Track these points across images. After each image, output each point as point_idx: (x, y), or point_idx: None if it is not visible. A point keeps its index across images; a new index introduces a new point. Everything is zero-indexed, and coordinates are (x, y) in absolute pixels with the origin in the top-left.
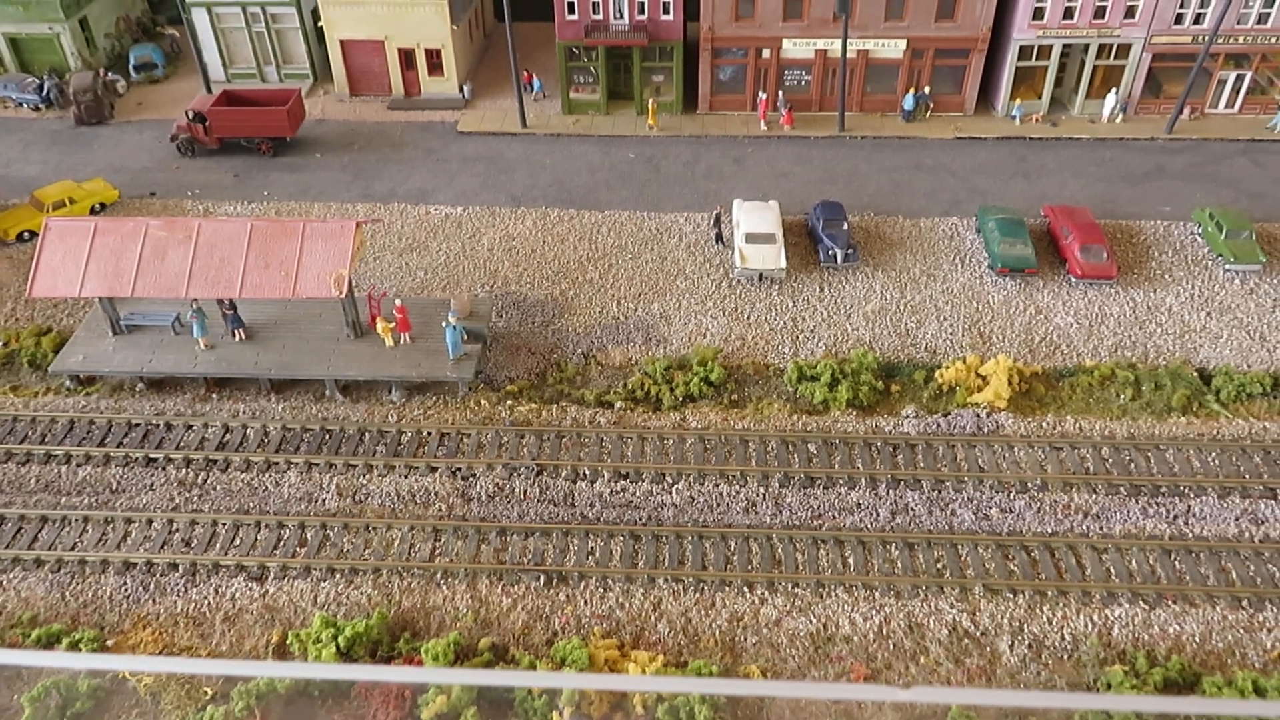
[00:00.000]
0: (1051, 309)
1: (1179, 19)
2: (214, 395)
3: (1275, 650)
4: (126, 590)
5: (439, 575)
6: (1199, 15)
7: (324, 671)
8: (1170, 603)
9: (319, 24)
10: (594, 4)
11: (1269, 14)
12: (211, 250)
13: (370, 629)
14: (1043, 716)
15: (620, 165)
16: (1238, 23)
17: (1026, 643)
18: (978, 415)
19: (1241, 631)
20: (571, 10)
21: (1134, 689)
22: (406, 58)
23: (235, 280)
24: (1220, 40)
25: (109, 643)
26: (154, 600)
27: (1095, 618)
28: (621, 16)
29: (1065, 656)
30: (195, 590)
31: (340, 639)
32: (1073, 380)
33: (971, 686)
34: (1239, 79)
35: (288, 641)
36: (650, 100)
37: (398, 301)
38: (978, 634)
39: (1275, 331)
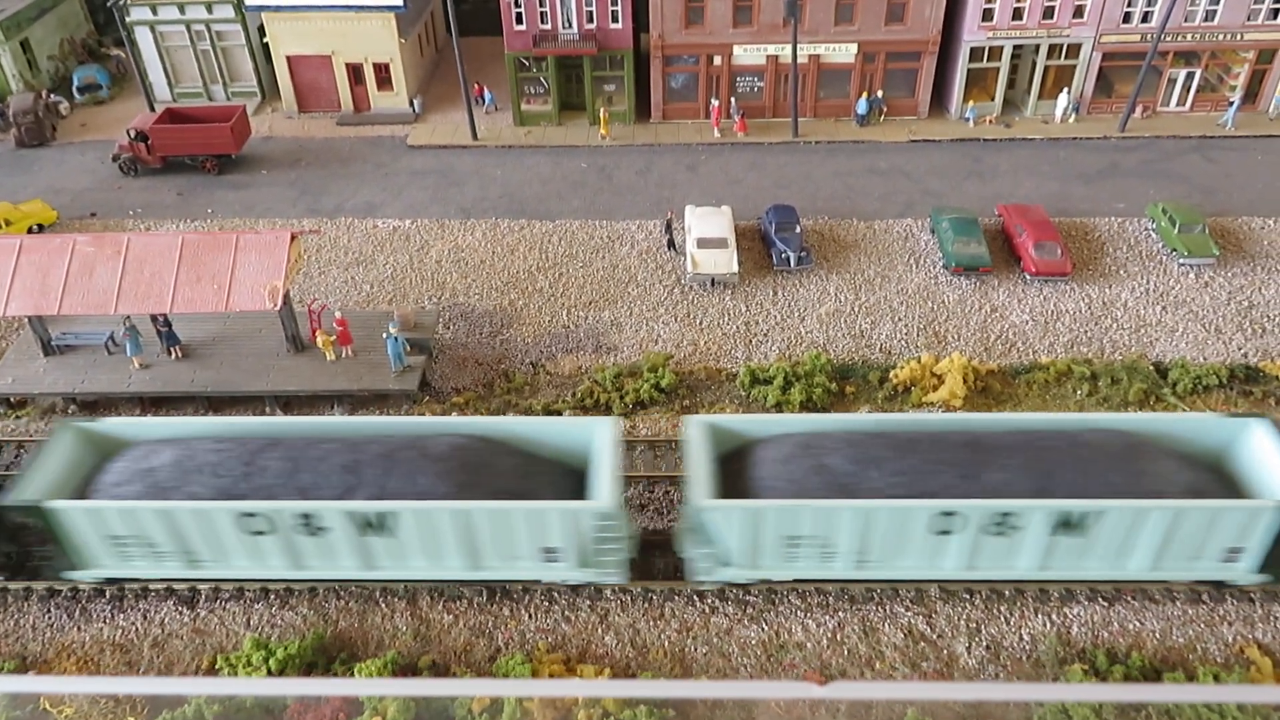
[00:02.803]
0: (1006, 307)
1: (1127, 17)
2: (150, 415)
3: (1237, 644)
4: (50, 618)
5: (378, 593)
6: (1146, 14)
7: (267, 687)
8: (1129, 599)
9: (265, 40)
10: (542, 14)
11: (1215, 10)
12: (141, 265)
13: (304, 650)
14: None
15: (572, 175)
16: (1185, 20)
17: (984, 644)
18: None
19: (1202, 626)
20: (520, 21)
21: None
22: (355, 73)
23: (166, 295)
24: (1168, 38)
25: (30, 673)
26: (79, 628)
27: (1054, 617)
28: (570, 26)
29: (1024, 657)
30: (122, 616)
31: (272, 661)
32: (1029, 377)
33: (895, 680)
34: (1189, 77)
35: (217, 666)
36: (602, 110)
37: (338, 314)
38: (934, 637)
39: (1229, 324)
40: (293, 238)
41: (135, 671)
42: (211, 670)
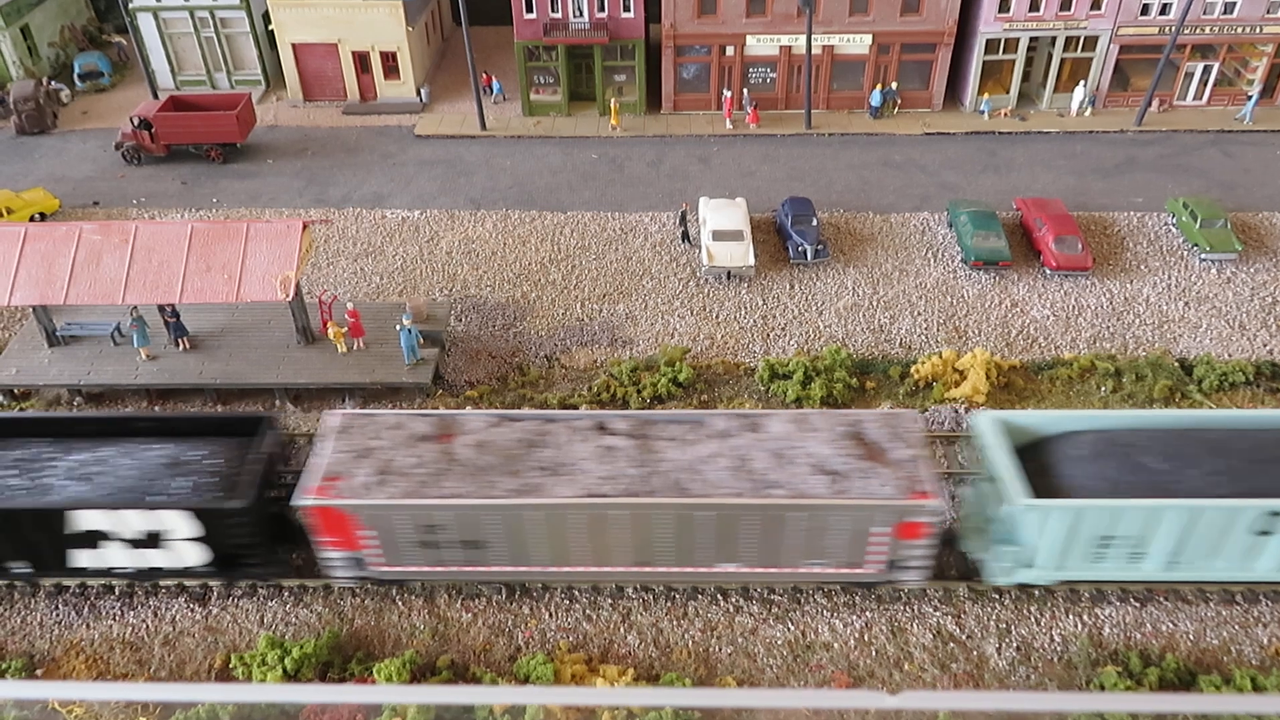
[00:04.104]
0: (1027, 302)
1: (1145, 9)
2: (156, 408)
3: (1272, 646)
4: (58, 615)
5: (394, 590)
6: (1165, 5)
7: (275, 693)
8: (1161, 599)
9: (270, 27)
10: (552, 2)
11: (1234, 3)
12: (149, 254)
13: (320, 649)
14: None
15: (583, 166)
16: (1204, 13)
17: (1014, 645)
18: (956, 410)
19: (1236, 627)
20: (530, 9)
21: (1129, 690)
22: (361, 61)
23: (175, 285)
24: (1187, 30)
25: (38, 672)
26: (88, 625)
27: (1085, 617)
28: (581, 15)
29: (1055, 658)
30: (132, 613)
31: (287, 660)
32: (1052, 373)
33: (965, 690)
34: (1206, 70)
35: (231, 665)
36: (612, 100)
37: (350, 305)
38: (963, 637)
39: (1254, 320)
40: (304, 227)
41: (146, 670)
42: (225, 668)
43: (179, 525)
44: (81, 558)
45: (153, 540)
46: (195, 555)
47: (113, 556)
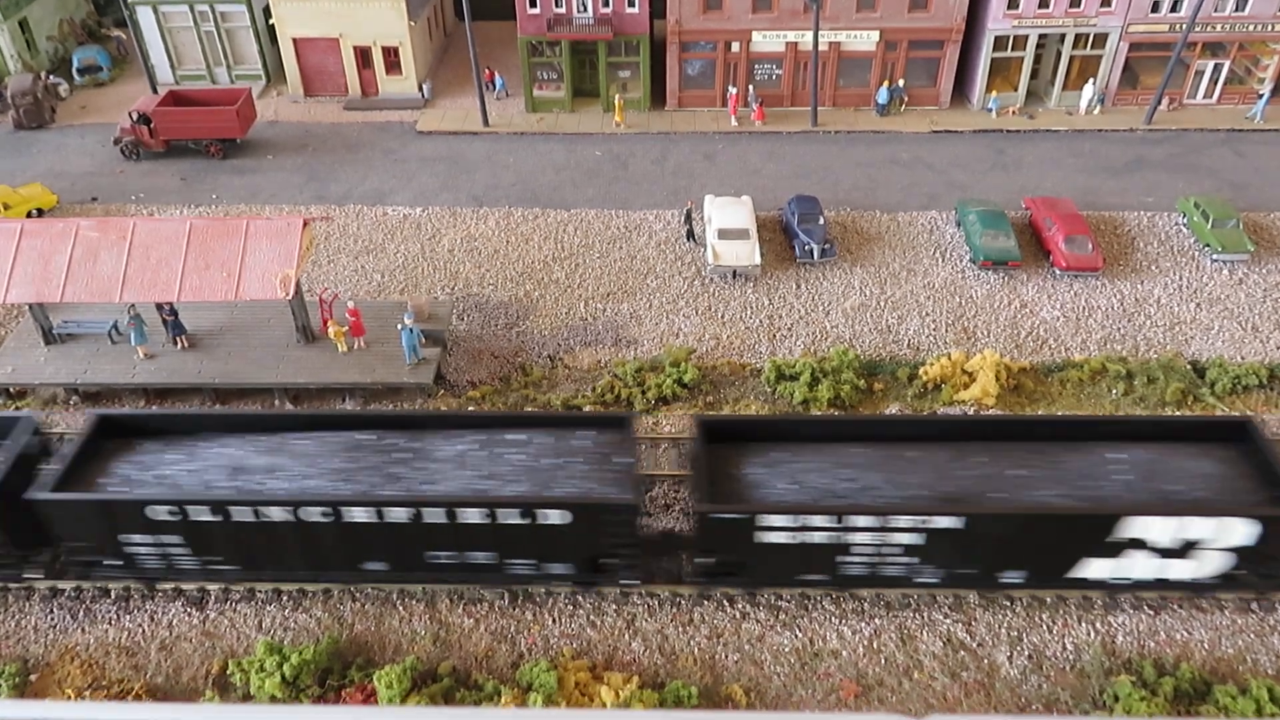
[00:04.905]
0: (1037, 302)
1: (1155, 6)
2: (154, 407)
3: None
4: (53, 620)
5: (395, 595)
6: (1175, 3)
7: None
8: (1176, 607)
9: (270, 22)
10: None
11: (1246, 0)
12: (147, 251)
13: (319, 655)
14: None
15: (587, 163)
16: (1215, 10)
17: (1026, 653)
18: (965, 413)
19: (1252, 636)
20: (533, 4)
21: (1143, 700)
22: (363, 56)
23: (173, 283)
24: (1197, 28)
25: (32, 677)
26: (83, 629)
27: (1098, 625)
28: (585, 10)
29: (1068, 667)
30: (129, 618)
31: (286, 667)
32: (1062, 375)
33: (990, 714)
34: (1217, 69)
35: (228, 671)
36: (617, 97)
37: (350, 304)
38: (974, 645)
39: (1268, 322)
40: (304, 224)
41: (142, 676)
42: (222, 674)
43: (1236, 532)
44: (1094, 567)
45: (1182, 550)
46: (1220, 564)
47: (1134, 567)
